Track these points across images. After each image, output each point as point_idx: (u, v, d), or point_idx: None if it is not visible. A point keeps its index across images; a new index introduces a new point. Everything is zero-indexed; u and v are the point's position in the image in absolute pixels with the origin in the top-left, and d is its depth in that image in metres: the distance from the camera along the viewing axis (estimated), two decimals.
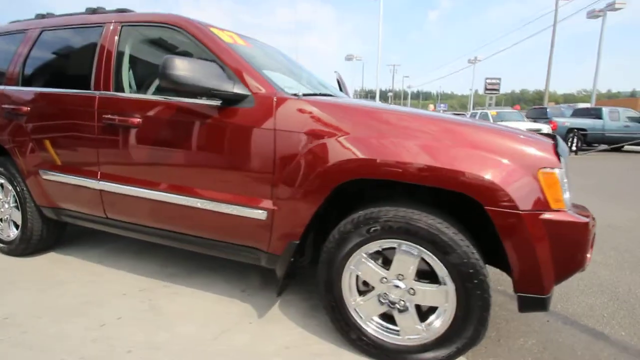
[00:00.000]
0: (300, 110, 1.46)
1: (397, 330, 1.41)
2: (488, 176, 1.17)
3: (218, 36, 1.71)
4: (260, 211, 1.52)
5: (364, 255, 1.40)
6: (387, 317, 1.45)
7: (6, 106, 2.13)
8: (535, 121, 11.68)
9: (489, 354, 1.50)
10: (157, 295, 1.93)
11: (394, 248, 1.36)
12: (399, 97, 69.45)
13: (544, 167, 1.19)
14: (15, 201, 2.29)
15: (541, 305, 1.26)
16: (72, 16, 2.13)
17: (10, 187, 2.26)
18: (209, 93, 1.48)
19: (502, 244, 1.21)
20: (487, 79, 33.70)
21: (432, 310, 1.38)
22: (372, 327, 1.44)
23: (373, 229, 1.34)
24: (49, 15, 2.34)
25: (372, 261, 1.41)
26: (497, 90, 34.68)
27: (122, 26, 1.90)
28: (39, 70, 2.17)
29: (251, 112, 1.52)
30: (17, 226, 2.35)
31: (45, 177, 2.04)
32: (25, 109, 2.06)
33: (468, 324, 1.28)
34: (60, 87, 2.02)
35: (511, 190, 1.16)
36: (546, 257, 1.19)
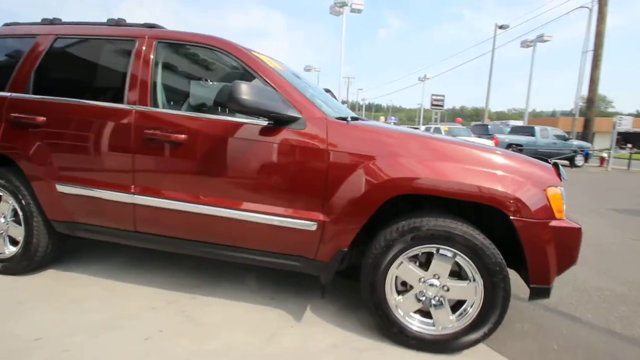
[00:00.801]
0: (353, 133, 1.67)
1: (433, 323, 1.65)
2: (514, 194, 1.48)
3: (261, 60, 1.85)
4: (311, 222, 1.67)
5: (406, 259, 1.63)
6: (422, 312, 1.69)
7: (16, 114, 2.01)
8: (479, 136, 13.09)
9: (498, 337, 1.79)
10: (188, 307, 1.96)
11: (431, 252, 1.61)
12: (353, 108, 72.35)
13: (551, 186, 1.54)
14: (14, 215, 2.14)
15: (546, 293, 1.59)
16: (94, 26, 2.09)
17: (10, 201, 2.10)
18: (269, 115, 1.62)
19: (521, 245, 1.52)
20: (433, 95, 36.44)
21: (459, 303, 1.65)
22: (411, 321, 1.67)
23: (416, 236, 1.58)
24: (56, 20, 2.27)
25: (412, 264, 1.64)
26: (442, 106, 37.63)
27: (157, 42, 1.94)
28: (54, 79, 2.09)
29: (304, 133, 1.68)
30: (13, 242, 2.19)
31: (63, 190, 1.96)
32: (41, 118, 1.97)
33: (494, 311, 1.56)
34: (81, 98, 1.98)
35: (529, 204, 1.48)
36: (552, 255, 1.53)
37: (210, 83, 2.17)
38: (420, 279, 1.63)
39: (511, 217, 1.49)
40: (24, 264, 2.14)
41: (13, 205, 2.11)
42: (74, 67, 2.12)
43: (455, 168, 1.55)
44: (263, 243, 1.78)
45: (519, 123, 19.96)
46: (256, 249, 1.80)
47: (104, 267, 2.39)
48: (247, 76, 1.82)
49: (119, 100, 1.91)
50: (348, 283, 2.21)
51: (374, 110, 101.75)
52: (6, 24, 2.38)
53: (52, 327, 1.70)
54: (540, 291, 1.58)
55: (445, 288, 1.62)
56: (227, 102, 1.51)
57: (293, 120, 1.69)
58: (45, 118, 1.97)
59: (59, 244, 2.22)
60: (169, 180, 1.83)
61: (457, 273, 1.62)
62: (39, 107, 1.99)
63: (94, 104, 1.92)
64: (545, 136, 12.46)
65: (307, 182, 1.67)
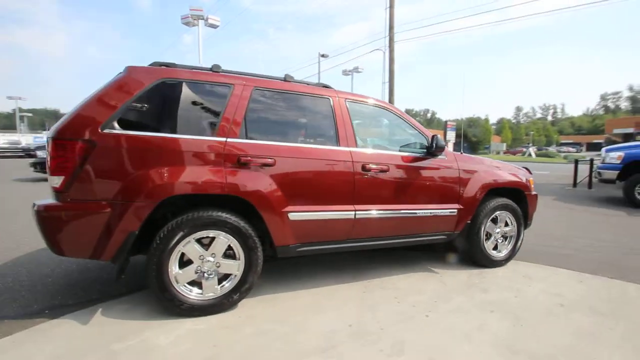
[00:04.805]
0: (465, 159, 3.09)
1: (500, 250, 3.30)
2: (524, 182, 3.34)
3: (410, 117, 2.96)
4: (454, 210, 2.97)
5: (490, 221, 3.20)
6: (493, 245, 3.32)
7: (246, 158, 2.20)
8: None
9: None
10: (388, 284, 2.78)
11: (496, 215, 3.26)
12: None
13: (529, 177, 3.51)
14: (226, 251, 2.24)
15: (530, 225, 3.55)
16: (282, 81, 2.53)
17: (228, 238, 2.20)
18: (441, 151, 2.81)
19: (527, 205, 3.39)
20: None
21: (504, 237, 3.37)
22: (492, 252, 3.26)
23: (497, 207, 3.17)
24: (216, 67, 2.45)
25: (491, 222, 3.23)
26: None
27: (345, 100, 2.67)
28: (261, 125, 2.37)
29: (446, 160, 2.96)
30: (219, 279, 2.25)
31: (295, 218, 2.34)
32: (271, 160, 2.28)
33: (520, 235, 3.37)
34: (289, 142, 2.43)
35: (528, 186, 3.38)
36: (533, 207, 3.49)
37: (381, 129, 3.03)
38: (497, 230, 3.25)
39: (525, 192, 3.35)
40: (244, 295, 2.28)
41: (228, 243, 2.22)
42: (276, 115, 2.44)
43: (510, 175, 3.28)
44: (431, 228, 2.92)
45: None
46: (427, 232, 2.91)
47: (267, 285, 2.69)
48: (399, 124, 2.91)
49: (331, 143, 2.53)
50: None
51: None
52: (160, 64, 2.29)
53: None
54: (528, 225, 3.53)
55: (504, 231, 3.30)
56: (435, 148, 2.66)
57: (441, 153, 2.94)
58: (273, 160, 2.29)
59: None
60: (378, 197, 2.65)
61: (495, 221, 3.33)
62: (267, 150, 2.28)
63: (320, 147, 2.45)
64: None
65: (452, 187, 2.97)
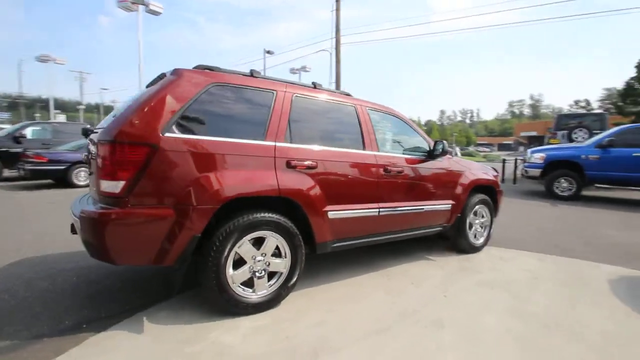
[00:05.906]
0: (455, 161, 3.59)
1: (479, 236, 3.90)
2: (495, 180, 3.99)
3: (414, 123, 3.35)
4: (449, 205, 3.45)
5: (473, 212, 3.78)
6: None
7: (294, 162, 2.33)
8: None
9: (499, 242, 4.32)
10: (406, 270, 3.12)
11: (477, 208, 3.85)
12: (91, 110, 60.95)
13: (497, 175, 4.18)
14: (274, 250, 2.35)
15: (496, 217, 4.24)
16: (322, 90, 2.70)
17: (277, 238, 2.31)
18: (444, 155, 3.25)
19: (496, 199, 4.06)
20: None
21: (482, 226, 4.00)
22: (473, 239, 3.84)
23: (480, 202, 3.75)
24: (256, 72, 2.54)
25: (473, 215, 3.81)
26: None
27: (366, 107, 2.94)
28: (303, 130, 2.50)
29: (441, 162, 3.42)
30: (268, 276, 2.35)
31: (334, 216, 2.54)
32: (314, 163, 2.44)
33: (492, 223, 4.03)
34: (324, 146, 2.62)
35: (498, 183, 4.04)
36: (501, 201, 4.18)
37: (393, 134, 3.30)
38: (477, 222, 3.83)
39: (496, 189, 4.00)
40: (290, 291, 2.41)
41: (277, 242, 2.33)
42: (312, 121, 2.58)
43: (485, 174, 3.88)
44: (433, 221, 3.36)
45: None
46: (430, 225, 3.34)
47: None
48: (410, 132, 3.30)
49: (358, 147, 2.78)
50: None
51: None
52: (204, 67, 2.29)
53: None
54: (496, 215, 4.21)
55: (481, 222, 3.90)
56: (440, 152, 3.08)
57: (444, 156, 3.39)
58: (316, 163, 2.46)
59: None
60: (396, 195, 2.97)
61: (476, 213, 3.94)
62: (310, 155, 2.44)
63: (352, 151, 2.68)
64: None
65: (448, 185, 3.44)
